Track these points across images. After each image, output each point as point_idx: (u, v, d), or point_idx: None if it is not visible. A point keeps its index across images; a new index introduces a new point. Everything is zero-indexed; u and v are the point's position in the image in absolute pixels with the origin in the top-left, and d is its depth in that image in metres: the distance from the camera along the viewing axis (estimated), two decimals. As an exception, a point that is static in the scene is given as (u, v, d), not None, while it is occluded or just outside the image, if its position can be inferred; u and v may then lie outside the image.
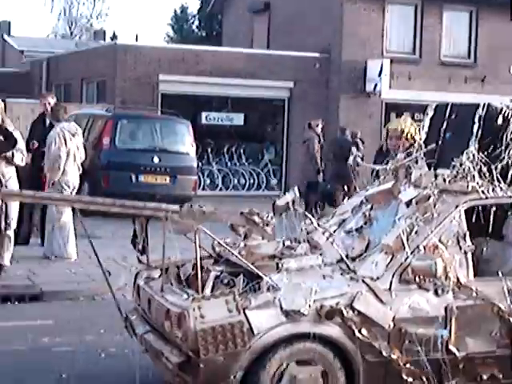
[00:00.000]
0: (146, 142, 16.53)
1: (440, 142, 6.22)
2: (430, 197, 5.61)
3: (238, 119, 22.92)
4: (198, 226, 5.41)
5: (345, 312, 5.09)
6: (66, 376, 6.16)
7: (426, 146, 6.32)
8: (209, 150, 22.37)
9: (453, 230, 5.50)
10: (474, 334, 5.39)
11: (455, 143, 6.07)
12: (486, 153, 5.78)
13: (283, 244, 5.92)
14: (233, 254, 5.49)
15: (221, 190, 22.39)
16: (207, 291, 5.34)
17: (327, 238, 5.87)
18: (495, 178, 5.72)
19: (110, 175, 15.61)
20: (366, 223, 5.98)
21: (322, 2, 23.43)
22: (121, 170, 15.63)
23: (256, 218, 5.78)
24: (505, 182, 5.75)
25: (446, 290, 5.35)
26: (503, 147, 5.79)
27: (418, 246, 5.38)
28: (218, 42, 32.05)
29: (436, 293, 5.33)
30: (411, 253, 5.35)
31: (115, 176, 15.55)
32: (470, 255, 5.50)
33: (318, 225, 6.07)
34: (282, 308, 5.05)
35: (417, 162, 6.24)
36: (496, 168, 5.75)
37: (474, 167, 5.73)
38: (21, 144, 9.25)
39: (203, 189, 21.14)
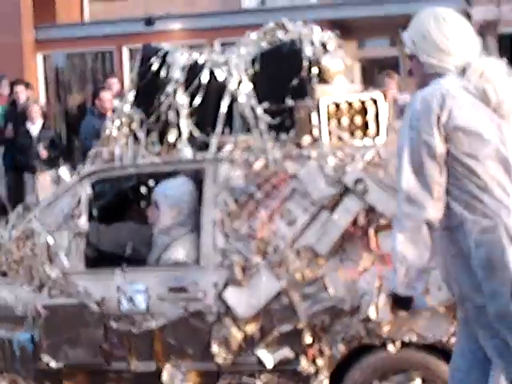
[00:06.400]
0: None
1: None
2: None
3: None
4: None
5: None
6: None
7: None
8: None
9: (65, 208, 4.33)
10: (73, 341, 4.20)
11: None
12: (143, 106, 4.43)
13: None
14: None
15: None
16: None
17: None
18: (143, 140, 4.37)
19: None
20: None
21: None
22: None
23: None
24: (162, 145, 4.35)
25: (42, 283, 4.26)
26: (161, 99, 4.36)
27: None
28: None
29: (34, 288, 4.28)
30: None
31: None
32: (81, 241, 4.28)
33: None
34: None
35: None
36: (152, 129, 4.38)
37: (118, 126, 4.42)
38: None
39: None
